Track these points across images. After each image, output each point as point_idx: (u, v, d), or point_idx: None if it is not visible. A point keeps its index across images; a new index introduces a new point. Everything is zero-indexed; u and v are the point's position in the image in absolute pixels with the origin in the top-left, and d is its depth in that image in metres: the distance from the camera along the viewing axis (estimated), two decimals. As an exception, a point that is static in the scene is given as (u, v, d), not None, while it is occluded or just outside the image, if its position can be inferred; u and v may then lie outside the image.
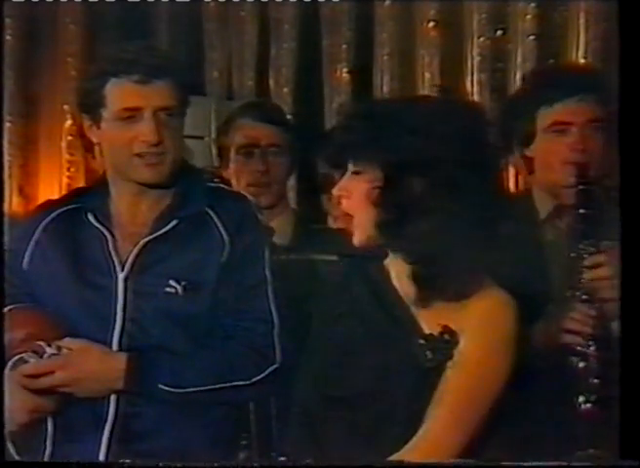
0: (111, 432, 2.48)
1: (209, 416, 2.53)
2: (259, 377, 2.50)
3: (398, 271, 2.28)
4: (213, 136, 4.17)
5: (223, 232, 2.53)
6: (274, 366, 2.50)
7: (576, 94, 2.60)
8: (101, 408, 2.48)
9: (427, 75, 4.00)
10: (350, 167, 2.28)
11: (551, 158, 2.62)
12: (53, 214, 2.60)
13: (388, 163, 2.21)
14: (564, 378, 2.41)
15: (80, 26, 3.98)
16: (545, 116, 2.62)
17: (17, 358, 2.45)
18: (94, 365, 2.46)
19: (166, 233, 2.53)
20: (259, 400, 2.63)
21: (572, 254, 2.44)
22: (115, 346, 2.50)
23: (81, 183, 3.84)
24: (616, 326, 2.36)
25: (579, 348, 2.39)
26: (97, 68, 2.55)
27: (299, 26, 4.09)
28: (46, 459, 2.48)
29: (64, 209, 2.61)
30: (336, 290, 2.40)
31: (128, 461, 2.38)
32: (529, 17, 3.86)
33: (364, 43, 4.06)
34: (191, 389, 2.49)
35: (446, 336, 2.20)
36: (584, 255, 2.43)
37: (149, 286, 2.52)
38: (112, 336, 2.50)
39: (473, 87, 3.95)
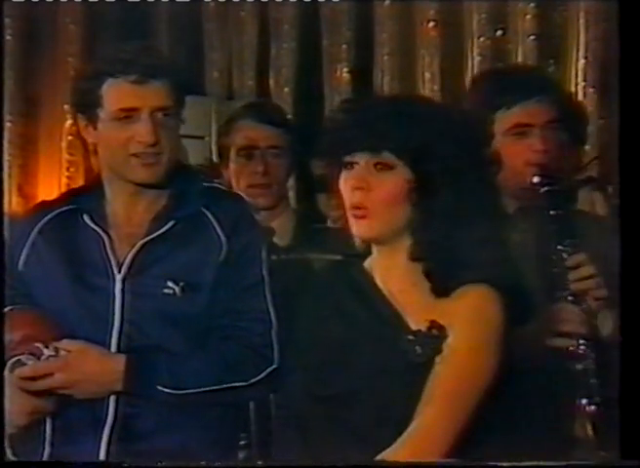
0: (111, 432, 2.48)
1: (208, 416, 2.53)
2: (257, 378, 2.50)
3: (387, 268, 2.28)
4: (213, 136, 4.18)
5: (220, 232, 2.53)
6: (273, 366, 2.50)
7: (533, 95, 2.61)
8: (100, 408, 2.48)
9: (427, 75, 4.00)
10: (367, 159, 2.25)
11: (513, 161, 2.62)
12: (48, 216, 2.60)
13: (423, 161, 2.19)
14: (555, 378, 2.41)
15: (80, 26, 3.98)
16: (504, 119, 2.61)
17: (14, 360, 2.45)
18: (92, 366, 2.46)
19: (163, 234, 2.53)
20: (258, 400, 2.63)
21: (553, 256, 2.45)
22: (114, 348, 2.50)
23: (81, 183, 3.84)
24: (603, 324, 2.38)
25: (570, 348, 2.40)
26: (93, 68, 2.54)
27: (299, 26, 4.10)
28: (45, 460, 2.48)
29: (60, 210, 2.60)
30: (321, 290, 2.41)
31: (126, 462, 2.38)
32: (529, 17, 3.86)
33: (364, 43, 4.06)
34: (190, 390, 2.49)
35: (434, 331, 2.20)
36: (564, 256, 2.44)
37: (147, 287, 2.51)
38: (110, 338, 2.50)
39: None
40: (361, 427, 2.22)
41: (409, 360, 2.20)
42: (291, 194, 3.76)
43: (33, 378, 2.42)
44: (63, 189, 3.86)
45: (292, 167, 3.38)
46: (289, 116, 3.77)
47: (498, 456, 2.21)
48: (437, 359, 2.19)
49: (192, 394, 2.49)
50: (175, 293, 2.50)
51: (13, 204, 3.76)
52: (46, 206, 2.67)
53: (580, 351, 2.39)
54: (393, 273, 2.28)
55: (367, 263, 2.34)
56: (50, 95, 4.01)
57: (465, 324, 2.21)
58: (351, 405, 2.21)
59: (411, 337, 2.21)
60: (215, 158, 4.08)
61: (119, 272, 2.52)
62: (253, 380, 2.49)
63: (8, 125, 3.69)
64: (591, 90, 3.89)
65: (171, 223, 2.54)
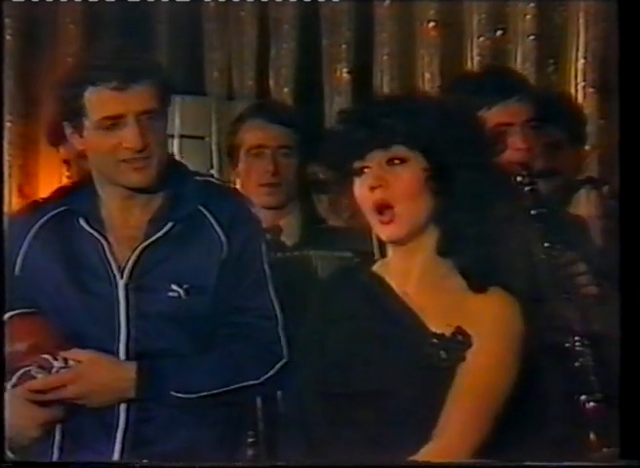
0: (123, 437, 2.47)
1: (215, 415, 2.52)
2: (268, 375, 2.50)
3: (404, 269, 2.28)
4: (213, 135, 4.18)
5: (219, 230, 2.52)
6: (282, 361, 2.49)
7: (513, 95, 2.63)
8: (112, 414, 2.46)
9: (427, 75, 4.00)
10: (385, 155, 2.24)
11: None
12: (42, 219, 2.57)
13: (437, 151, 2.19)
14: (558, 377, 2.41)
15: (80, 26, 3.98)
16: (485, 119, 2.62)
17: (22, 372, 2.42)
18: (104, 376, 2.44)
19: (163, 236, 2.51)
20: (271, 396, 2.61)
21: (542, 255, 2.45)
22: (122, 355, 2.48)
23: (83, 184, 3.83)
24: (598, 320, 2.38)
25: (566, 345, 2.40)
26: (73, 77, 2.51)
27: (299, 26, 4.09)
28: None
29: (53, 212, 2.57)
30: (329, 291, 2.40)
31: (134, 463, 2.38)
32: (529, 17, 3.86)
33: (364, 43, 4.05)
34: (203, 393, 2.48)
35: (459, 337, 2.20)
36: (554, 253, 2.44)
37: (151, 291, 2.50)
38: (118, 345, 2.48)
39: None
40: (375, 428, 2.22)
41: (432, 363, 2.20)
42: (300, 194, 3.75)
43: (45, 392, 2.40)
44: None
45: (301, 167, 3.38)
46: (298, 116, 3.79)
47: (512, 456, 2.22)
48: (462, 364, 2.19)
49: (205, 397, 2.48)
50: (180, 296, 2.49)
51: (13, 204, 3.75)
52: (39, 207, 2.64)
53: (577, 348, 2.39)
54: (411, 274, 2.28)
55: (378, 266, 2.33)
56: (50, 95, 4.00)
57: (490, 332, 2.21)
58: (367, 405, 2.21)
59: (435, 341, 2.21)
60: (215, 158, 4.10)
61: (121, 277, 2.50)
62: (264, 377, 2.48)
63: (8, 125, 3.68)
64: (591, 90, 3.89)
65: (169, 225, 2.52)
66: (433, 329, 2.22)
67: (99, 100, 2.44)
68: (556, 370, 2.40)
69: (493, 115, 2.59)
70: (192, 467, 2.38)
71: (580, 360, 2.38)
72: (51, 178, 3.90)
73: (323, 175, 3.27)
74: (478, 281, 2.24)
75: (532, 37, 3.89)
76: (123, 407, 2.46)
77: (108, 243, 2.51)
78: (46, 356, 2.41)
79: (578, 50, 3.87)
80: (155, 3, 3.84)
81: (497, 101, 2.61)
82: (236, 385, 2.49)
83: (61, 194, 2.67)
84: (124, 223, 2.54)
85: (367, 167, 2.27)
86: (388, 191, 2.25)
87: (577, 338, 2.39)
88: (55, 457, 2.47)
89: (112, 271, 2.50)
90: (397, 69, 4.05)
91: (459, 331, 2.21)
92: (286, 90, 4.14)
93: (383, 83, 4.04)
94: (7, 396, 2.41)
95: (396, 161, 2.25)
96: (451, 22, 3.94)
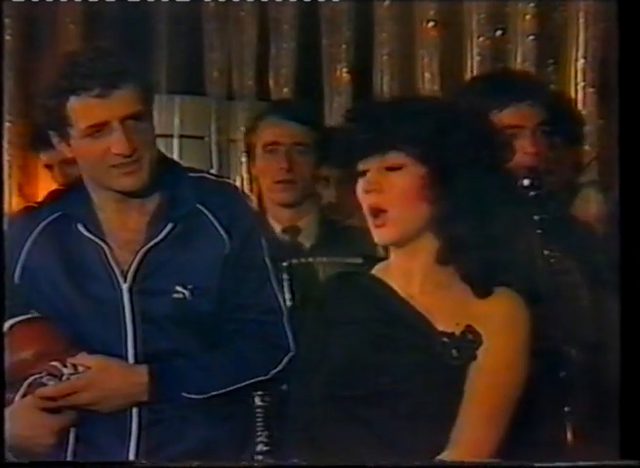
0: (138, 440, 2.46)
1: (227, 414, 2.52)
2: (277, 369, 2.50)
3: (407, 270, 2.28)
4: (213, 135, 4.18)
5: (219, 227, 2.51)
6: (290, 354, 2.49)
7: (525, 98, 2.63)
8: (125, 418, 2.46)
9: (427, 75, 4.00)
10: (379, 163, 2.25)
11: None
12: (39, 227, 2.55)
13: (436, 158, 2.20)
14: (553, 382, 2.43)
15: (80, 26, 3.98)
16: (496, 121, 2.63)
17: (31, 380, 2.41)
18: (116, 381, 2.43)
19: (164, 239, 2.51)
20: (281, 390, 2.61)
21: (539, 261, 2.46)
22: (131, 359, 2.47)
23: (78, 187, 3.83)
24: (595, 327, 2.39)
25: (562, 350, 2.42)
26: (54, 86, 2.49)
27: (298, 26, 4.09)
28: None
29: (50, 219, 2.55)
30: (336, 293, 2.41)
31: (133, 462, 2.38)
32: (529, 17, 3.86)
33: (364, 43, 4.06)
34: (214, 393, 2.48)
35: (470, 336, 2.21)
36: (551, 261, 2.45)
37: (156, 294, 2.49)
38: (126, 349, 2.47)
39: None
40: (388, 429, 2.22)
41: (444, 362, 2.20)
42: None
43: (55, 398, 2.40)
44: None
45: (318, 164, 3.38)
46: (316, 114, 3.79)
47: (527, 455, 2.22)
48: (474, 363, 2.20)
49: (217, 396, 2.48)
50: (185, 297, 2.48)
51: (13, 204, 3.75)
52: (34, 214, 2.62)
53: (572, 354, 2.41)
54: (414, 275, 2.28)
55: (377, 269, 2.34)
56: (33, 103, 4.00)
57: (500, 330, 2.22)
58: (377, 406, 2.22)
59: (445, 340, 2.21)
60: (215, 158, 4.10)
61: (125, 282, 2.49)
62: (273, 372, 2.48)
63: (8, 125, 3.68)
64: (591, 90, 3.89)
65: (170, 226, 2.51)
66: (442, 328, 2.22)
67: (82, 109, 2.42)
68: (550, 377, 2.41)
69: (503, 117, 2.59)
70: (192, 467, 2.37)
71: (572, 367, 2.40)
72: (51, 178, 3.90)
73: (331, 173, 3.30)
74: (481, 287, 2.24)
75: (532, 37, 3.89)
76: (135, 410, 2.46)
77: (109, 247, 2.50)
78: (55, 363, 2.39)
79: (578, 50, 3.88)
80: (155, 3, 3.85)
81: (508, 103, 2.61)
82: (246, 382, 2.49)
83: (54, 198, 2.64)
84: (122, 226, 2.53)
85: (367, 170, 2.28)
86: (382, 196, 2.26)
87: (572, 344, 2.40)
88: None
89: (115, 275, 2.49)
90: (397, 69, 4.05)
91: (468, 329, 2.21)
92: (286, 90, 4.14)
93: (383, 83, 4.04)
94: (17, 407, 2.39)
95: (392, 167, 2.26)
96: (451, 22, 3.94)
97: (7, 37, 3.56)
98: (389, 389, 2.22)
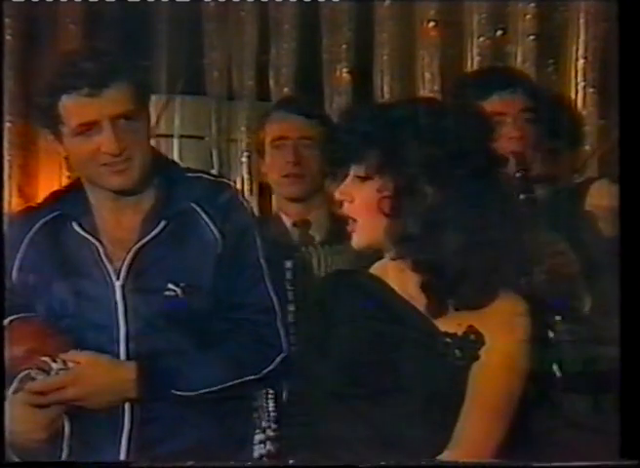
0: (129, 438, 2.47)
1: (222, 414, 2.53)
2: (269, 368, 2.50)
3: (402, 271, 2.29)
4: (213, 135, 4.18)
5: (213, 226, 2.52)
6: (282, 354, 2.50)
7: (508, 86, 2.70)
8: (117, 415, 2.47)
9: (427, 75, 4.00)
10: (353, 171, 2.28)
11: None
12: (37, 226, 2.57)
13: (401, 171, 2.21)
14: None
15: (80, 26, 3.98)
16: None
17: (22, 375, 2.42)
18: (104, 377, 2.44)
19: (157, 236, 2.51)
20: (271, 390, 2.62)
21: (525, 237, 2.48)
22: (122, 355, 2.48)
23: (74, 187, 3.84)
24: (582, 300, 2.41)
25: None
26: (47, 85, 2.51)
27: (299, 26, 4.09)
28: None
29: (47, 218, 2.57)
30: (334, 291, 2.41)
31: (132, 463, 2.38)
32: (529, 17, 3.86)
33: (364, 43, 4.06)
34: (204, 390, 2.48)
35: (472, 336, 2.21)
36: (539, 235, 2.48)
37: (148, 291, 2.50)
38: (119, 346, 2.48)
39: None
40: (390, 428, 2.22)
41: (447, 362, 2.21)
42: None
43: (44, 393, 2.41)
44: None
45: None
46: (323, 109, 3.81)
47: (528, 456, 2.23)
48: (476, 363, 2.20)
49: (207, 393, 2.48)
50: (177, 295, 2.49)
51: (13, 204, 3.75)
52: (32, 213, 2.64)
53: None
54: (409, 276, 2.29)
55: (375, 268, 2.34)
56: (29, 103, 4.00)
57: (502, 329, 2.22)
58: (381, 404, 2.22)
59: (448, 340, 2.22)
60: (215, 158, 4.11)
61: (117, 279, 2.50)
62: (265, 371, 2.49)
63: (8, 125, 3.68)
64: (591, 90, 3.89)
65: (162, 224, 2.52)
66: (444, 328, 2.23)
67: (73, 108, 2.44)
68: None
69: (488, 105, 2.63)
70: (192, 467, 2.37)
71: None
72: (51, 178, 3.90)
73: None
74: (474, 302, 2.26)
75: (532, 37, 3.89)
76: (127, 407, 2.47)
77: (103, 246, 2.52)
78: (45, 358, 2.41)
79: (578, 50, 3.88)
80: (155, 3, 3.85)
81: (492, 92, 2.67)
82: (237, 381, 2.50)
83: (54, 199, 2.67)
84: (117, 225, 2.54)
85: (347, 175, 2.31)
86: (351, 205, 2.30)
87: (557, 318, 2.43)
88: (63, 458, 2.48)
89: (108, 273, 2.50)
90: (397, 69, 4.05)
91: (470, 329, 2.22)
92: (286, 90, 4.14)
93: (383, 83, 4.04)
94: (9, 402, 2.40)
95: (361, 178, 2.29)
96: (451, 22, 3.95)
97: (7, 37, 3.56)
98: (392, 390, 2.22)
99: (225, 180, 2.80)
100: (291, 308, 2.80)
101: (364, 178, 2.26)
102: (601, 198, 2.78)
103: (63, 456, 2.46)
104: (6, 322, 2.47)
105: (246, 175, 4.03)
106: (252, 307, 2.53)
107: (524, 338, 2.22)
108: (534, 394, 2.23)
